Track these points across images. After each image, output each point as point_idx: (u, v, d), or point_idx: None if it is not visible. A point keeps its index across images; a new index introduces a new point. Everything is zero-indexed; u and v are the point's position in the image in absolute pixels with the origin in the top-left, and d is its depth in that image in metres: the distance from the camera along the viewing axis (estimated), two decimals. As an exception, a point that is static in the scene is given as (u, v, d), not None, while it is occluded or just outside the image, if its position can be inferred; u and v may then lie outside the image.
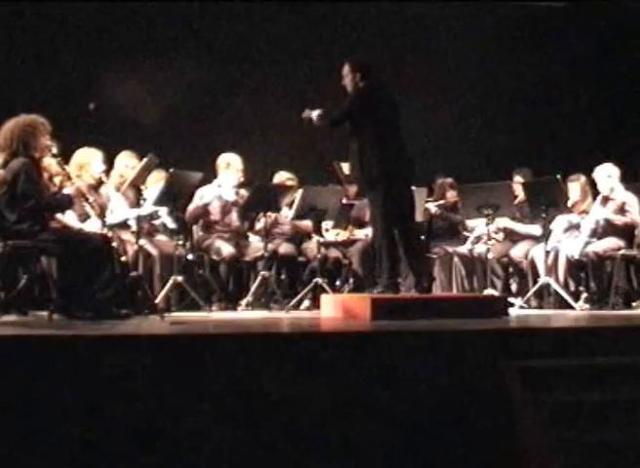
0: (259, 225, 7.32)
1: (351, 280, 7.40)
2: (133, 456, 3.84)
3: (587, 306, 6.81)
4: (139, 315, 5.68)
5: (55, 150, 5.62)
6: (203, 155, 7.52)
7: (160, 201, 6.46)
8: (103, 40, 8.50)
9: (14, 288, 5.89)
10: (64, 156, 5.96)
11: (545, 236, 6.91)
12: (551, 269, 6.95)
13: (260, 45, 8.98)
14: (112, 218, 6.33)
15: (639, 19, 9.20)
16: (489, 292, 6.76)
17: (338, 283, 7.49)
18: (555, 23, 9.73)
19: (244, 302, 6.79)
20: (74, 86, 8.31)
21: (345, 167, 7.49)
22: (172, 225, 7.00)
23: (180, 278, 6.34)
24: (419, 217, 6.93)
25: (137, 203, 6.47)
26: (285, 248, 7.29)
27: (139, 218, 6.39)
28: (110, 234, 5.88)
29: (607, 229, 7.02)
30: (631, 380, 4.34)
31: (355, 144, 5.93)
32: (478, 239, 7.48)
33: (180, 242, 6.72)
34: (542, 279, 6.83)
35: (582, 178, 7.28)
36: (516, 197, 7.41)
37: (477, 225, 7.54)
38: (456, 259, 7.62)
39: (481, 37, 9.48)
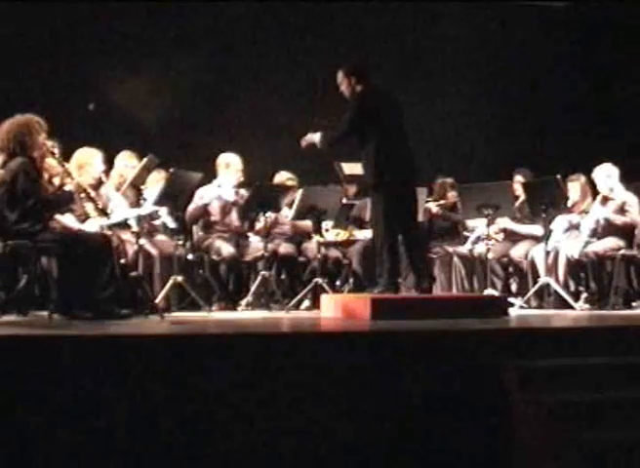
0: (259, 225, 7.31)
1: (351, 280, 7.40)
2: (133, 456, 3.84)
3: (587, 306, 6.80)
4: (139, 315, 5.68)
5: (56, 150, 5.62)
6: (203, 155, 7.52)
7: (160, 201, 6.45)
8: (103, 40, 8.49)
9: (14, 288, 5.89)
10: (64, 156, 5.96)
11: (545, 236, 6.92)
12: (551, 269, 6.95)
13: (260, 45, 8.98)
14: (112, 218, 6.33)
15: (639, 18, 9.19)
16: (489, 292, 6.76)
17: (338, 283, 7.48)
18: (555, 23, 9.74)
19: (244, 302, 6.79)
20: (74, 86, 8.31)
21: (345, 167, 7.50)
22: (172, 225, 6.99)
23: (179, 278, 6.33)
24: (419, 217, 6.93)
25: (137, 203, 6.46)
26: (285, 248, 7.29)
27: (139, 218, 6.39)
28: (110, 234, 5.88)
29: (607, 229, 7.02)
30: (631, 380, 4.35)
31: (361, 146, 5.98)
32: (478, 239, 7.48)
33: (180, 242, 6.72)
34: (542, 279, 6.83)
35: (582, 178, 7.28)
36: (517, 197, 7.41)
37: (477, 225, 7.54)
38: (456, 259, 7.62)
39: (481, 37, 9.48)
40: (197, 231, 7.37)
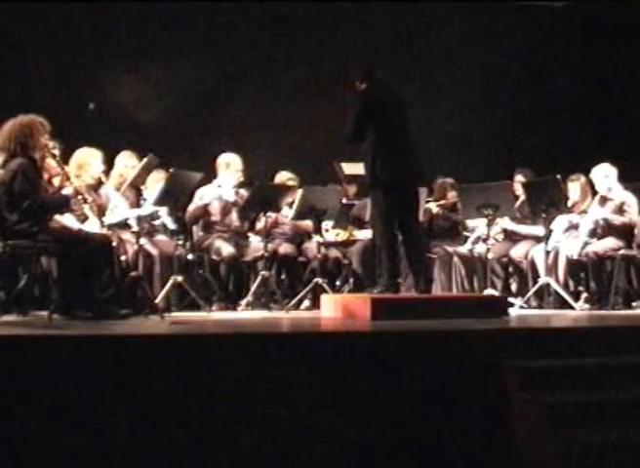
0: (259, 225, 7.31)
1: (351, 280, 7.40)
2: (133, 456, 3.84)
3: (587, 306, 6.80)
4: (138, 315, 5.68)
5: (57, 151, 5.62)
6: (203, 155, 7.52)
7: (160, 201, 6.45)
8: (104, 40, 8.50)
9: (14, 288, 5.89)
10: (64, 156, 5.96)
11: (545, 236, 6.91)
12: (551, 269, 6.95)
13: (261, 45, 8.98)
14: (112, 218, 6.33)
15: (639, 18, 9.19)
16: (489, 292, 6.75)
17: (338, 283, 7.48)
18: (555, 23, 9.74)
19: (244, 302, 6.79)
20: (74, 86, 8.31)
21: (345, 167, 7.50)
22: (172, 225, 6.99)
23: (180, 278, 6.33)
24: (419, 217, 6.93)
25: (137, 203, 6.47)
26: (285, 248, 7.29)
27: (139, 218, 6.40)
28: (110, 234, 5.88)
29: (606, 229, 7.02)
30: (631, 380, 4.34)
31: (364, 145, 5.97)
32: (478, 239, 7.48)
33: (180, 242, 6.71)
34: (542, 279, 6.83)
35: (582, 178, 7.28)
36: (517, 197, 7.41)
37: (477, 225, 7.54)
38: (456, 259, 7.62)
39: (482, 37, 9.48)
40: (197, 231, 7.37)
